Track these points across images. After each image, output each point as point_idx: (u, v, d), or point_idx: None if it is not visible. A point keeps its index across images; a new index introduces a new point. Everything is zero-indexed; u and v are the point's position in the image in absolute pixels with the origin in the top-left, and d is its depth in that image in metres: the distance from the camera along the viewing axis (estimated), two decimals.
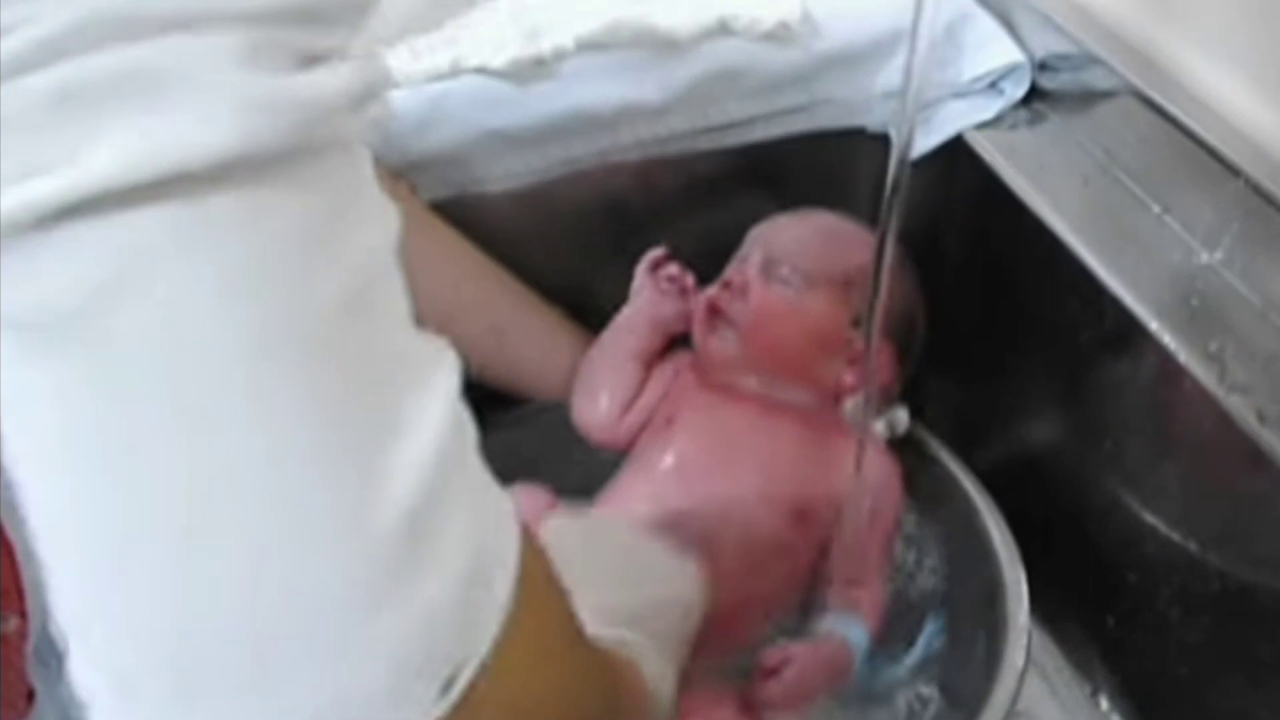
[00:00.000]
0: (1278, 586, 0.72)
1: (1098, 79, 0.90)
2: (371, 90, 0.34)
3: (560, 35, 0.90)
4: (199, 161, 0.28)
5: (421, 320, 0.45)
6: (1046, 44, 0.94)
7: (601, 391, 0.90)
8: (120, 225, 0.27)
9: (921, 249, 0.86)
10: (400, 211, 0.41)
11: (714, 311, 0.88)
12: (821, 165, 0.99)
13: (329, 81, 0.31)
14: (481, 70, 0.89)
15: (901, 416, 0.90)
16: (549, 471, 0.83)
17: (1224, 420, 0.72)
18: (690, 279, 0.93)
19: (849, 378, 0.87)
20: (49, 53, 0.27)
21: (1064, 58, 0.93)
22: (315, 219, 0.31)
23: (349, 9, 0.33)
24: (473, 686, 0.34)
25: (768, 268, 0.87)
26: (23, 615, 0.70)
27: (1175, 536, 0.80)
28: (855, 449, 0.80)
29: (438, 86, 0.88)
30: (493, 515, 0.36)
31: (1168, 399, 0.76)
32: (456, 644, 0.34)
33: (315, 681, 0.31)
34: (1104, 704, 0.91)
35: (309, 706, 0.31)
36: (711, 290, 0.89)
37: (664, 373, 0.91)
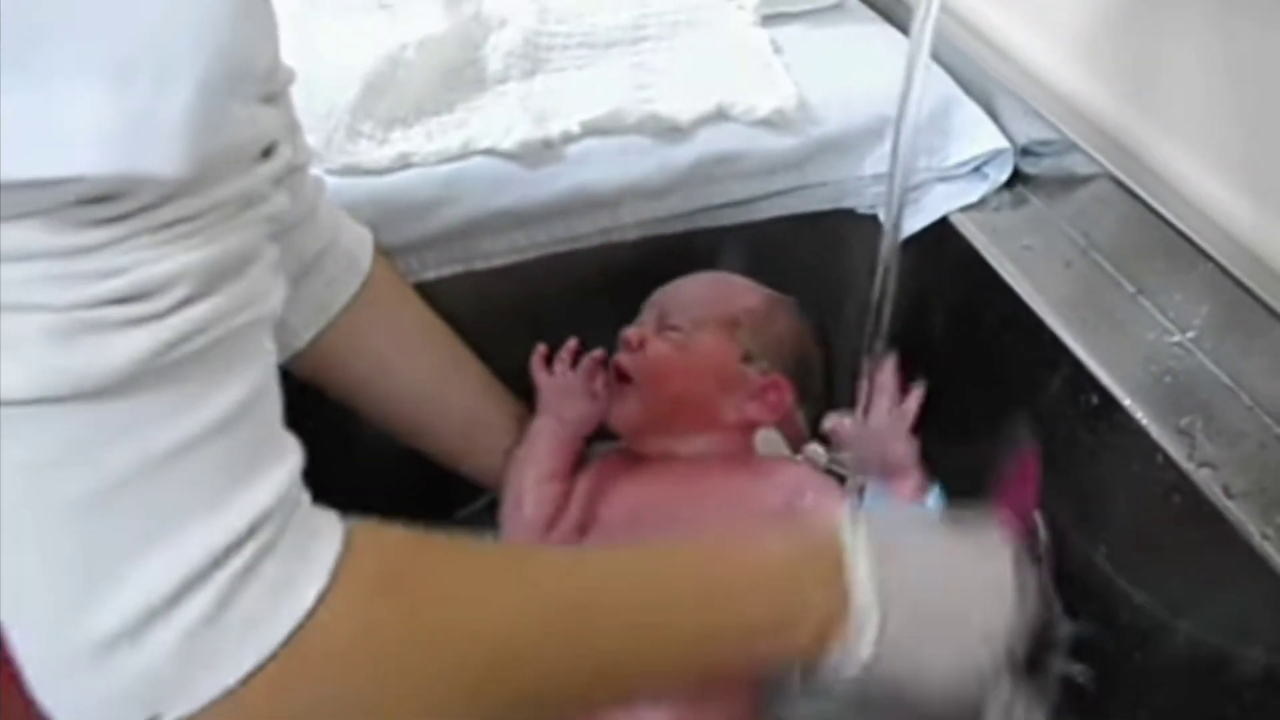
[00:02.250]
0: (1245, 653, 0.75)
1: (1077, 165, 0.95)
2: (219, 323, 0.43)
3: (567, 120, 0.94)
4: (9, 395, 0.39)
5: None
6: (1029, 131, 0.98)
7: (525, 508, 0.90)
8: None
9: (908, 324, 0.89)
10: (391, 296, 0.47)
11: (620, 376, 0.91)
12: (813, 244, 1.03)
13: (136, 345, 0.40)
14: (491, 151, 0.93)
15: (819, 451, 0.93)
16: None
17: (1193, 494, 0.75)
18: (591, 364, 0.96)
19: (753, 411, 0.90)
20: None
21: (1045, 144, 0.97)
22: (97, 431, 0.41)
23: (181, 283, 0.41)
24: None
25: (660, 321, 0.93)
26: None
27: (1147, 604, 0.82)
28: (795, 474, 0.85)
29: (449, 167, 0.92)
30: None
31: (1140, 472, 0.79)
32: (153, 700, 0.43)
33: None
34: None
35: None
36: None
37: (586, 477, 0.92)
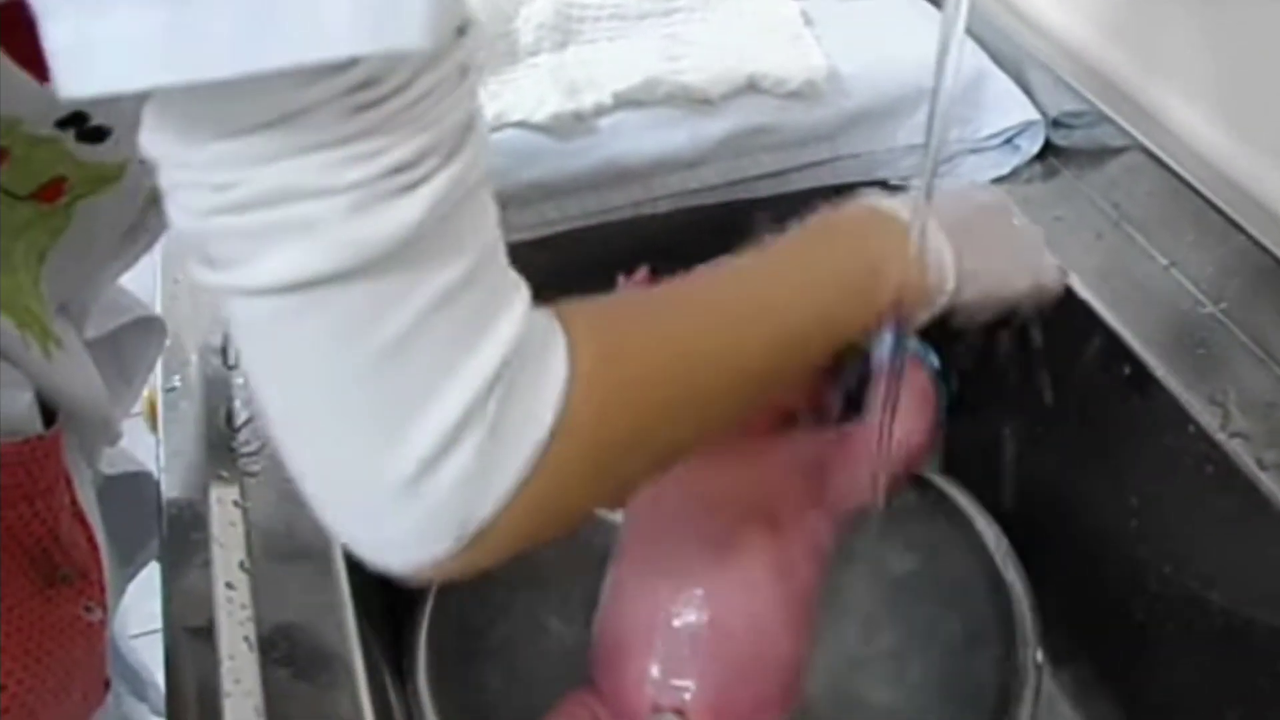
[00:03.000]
0: (1275, 624, 0.75)
1: (1109, 136, 0.95)
2: (462, 183, 0.47)
3: (599, 92, 0.94)
4: (311, 276, 0.45)
5: None
6: (1060, 102, 0.98)
7: None
8: (270, 302, 0.46)
9: None
10: None
11: None
12: None
13: (411, 210, 0.45)
14: (522, 124, 0.94)
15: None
16: None
17: (1226, 464, 0.76)
18: None
19: None
20: (244, 205, 0.44)
21: (1077, 115, 0.97)
22: (382, 296, 0.46)
23: (437, 149, 0.46)
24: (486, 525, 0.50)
25: None
26: (104, 607, 0.73)
27: (1179, 575, 0.83)
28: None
29: None
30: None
31: (1173, 443, 0.79)
32: (462, 510, 0.50)
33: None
34: None
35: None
36: None
37: None
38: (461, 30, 0.49)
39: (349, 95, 0.43)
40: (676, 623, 0.78)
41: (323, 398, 0.49)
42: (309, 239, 0.45)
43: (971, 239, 0.74)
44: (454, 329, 0.48)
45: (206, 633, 0.69)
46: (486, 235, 0.50)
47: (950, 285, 0.73)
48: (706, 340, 0.60)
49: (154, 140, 0.45)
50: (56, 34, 0.41)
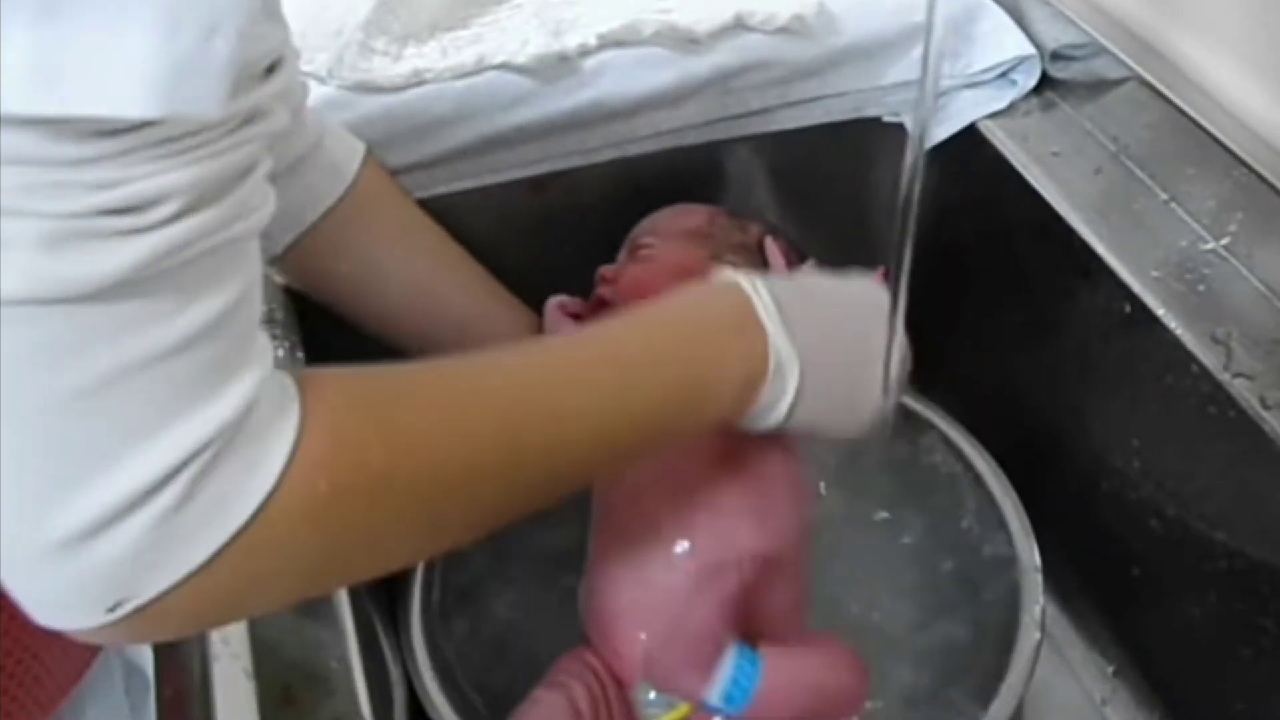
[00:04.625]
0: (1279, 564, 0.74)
1: (1107, 69, 0.93)
2: (209, 236, 0.43)
3: (583, 32, 0.92)
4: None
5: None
6: (1057, 35, 0.96)
7: None
8: None
9: (936, 234, 0.88)
10: (381, 202, 0.48)
11: (601, 306, 0.89)
12: (836, 154, 1.01)
13: (123, 256, 0.41)
14: (506, 66, 0.91)
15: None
16: None
17: (1229, 404, 0.74)
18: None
19: None
20: None
21: (1075, 48, 0.95)
22: (79, 335, 0.41)
23: (175, 197, 0.42)
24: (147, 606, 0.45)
25: (632, 250, 0.91)
26: None
27: (1183, 516, 0.82)
28: None
29: (463, 83, 0.90)
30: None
31: (1174, 383, 0.78)
32: (119, 586, 0.45)
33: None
34: (1115, 677, 0.93)
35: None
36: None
37: None
38: (270, 69, 0.46)
39: (74, 120, 0.39)
40: (658, 586, 0.77)
41: (2, 426, 0.43)
42: (2, 257, 0.40)
43: (822, 364, 0.68)
44: (165, 388, 0.43)
45: None
46: (230, 295, 0.45)
47: (782, 412, 0.67)
48: (477, 449, 0.54)
49: None
50: None
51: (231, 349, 0.46)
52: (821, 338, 0.68)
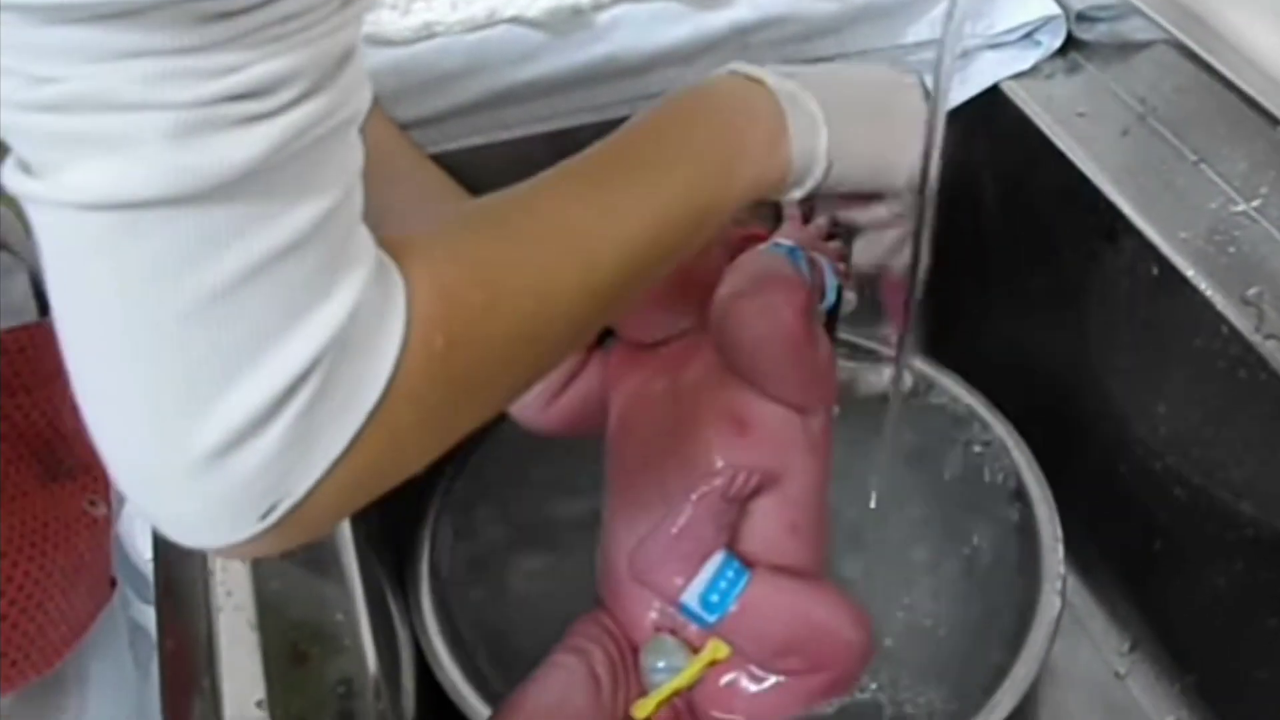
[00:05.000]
0: None
1: (1135, 29, 0.91)
2: (323, 121, 0.43)
3: None
4: (127, 198, 0.39)
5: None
6: None
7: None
8: (82, 220, 0.40)
9: (958, 197, 0.86)
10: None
11: None
12: None
13: (252, 143, 0.40)
14: (517, 19, 0.89)
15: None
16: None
17: (1260, 366, 0.73)
18: None
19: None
20: (62, 105, 0.38)
21: (1101, 8, 0.93)
22: (213, 234, 0.41)
23: (296, 80, 0.41)
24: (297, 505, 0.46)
25: None
26: (108, 503, 0.72)
27: (1208, 484, 0.80)
28: None
29: (474, 36, 0.88)
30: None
31: (1205, 346, 0.76)
32: (270, 490, 0.45)
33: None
34: (1135, 649, 0.92)
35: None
36: None
37: (600, 358, 0.86)
38: None
39: (197, 1, 0.38)
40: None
41: (127, 346, 0.43)
42: (125, 155, 0.39)
43: (850, 118, 0.71)
44: (291, 284, 0.43)
45: None
46: (345, 183, 0.45)
47: (820, 167, 0.70)
48: (553, 263, 0.56)
49: None
50: None
51: (345, 240, 0.46)
52: (837, 91, 0.71)
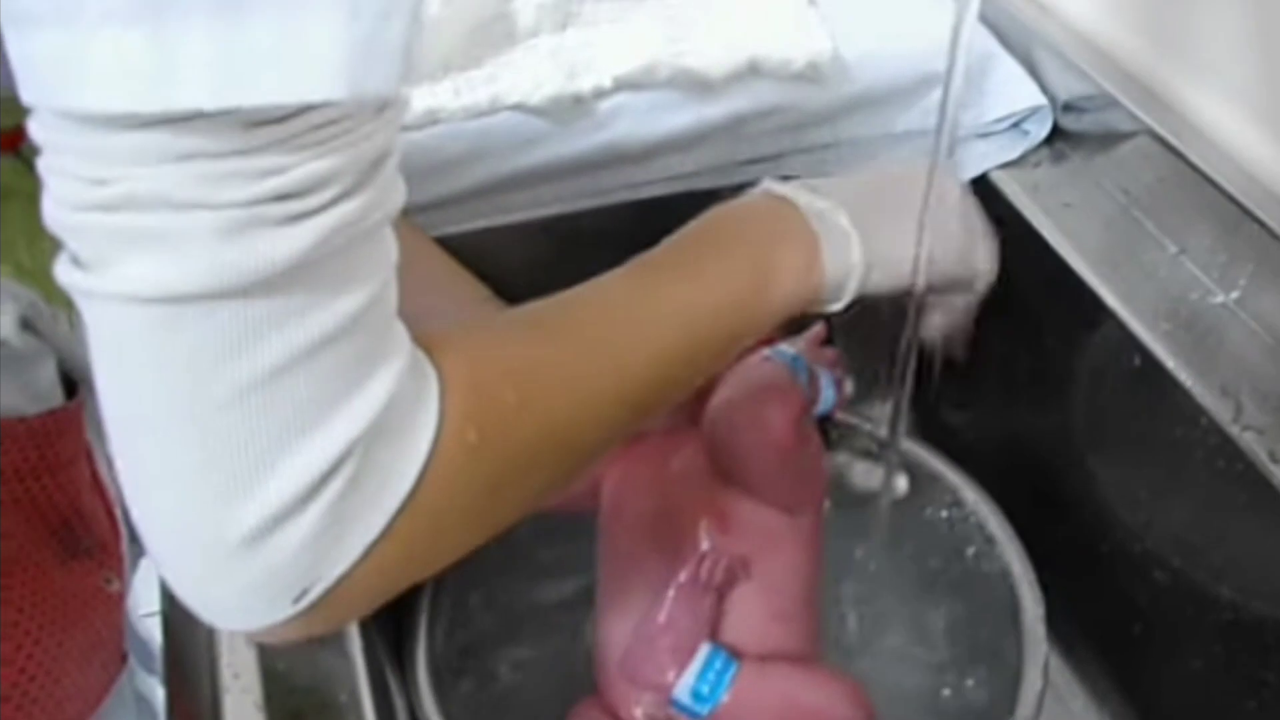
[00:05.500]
0: None
1: (1118, 121, 0.93)
2: (361, 220, 0.45)
3: (599, 75, 0.92)
4: (175, 291, 0.42)
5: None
6: (1069, 86, 0.96)
7: None
8: (130, 313, 0.43)
9: None
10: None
11: None
12: None
13: (294, 241, 0.43)
14: (520, 107, 0.92)
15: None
16: None
17: (1238, 458, 0.74)
18: None
19: None
20: (115, 205, 0.41)
21: (1087, 99, 0.95)
22: (254, 325, 0.43)
23: (335, 181, 0.43)
24: (330, 590, 0.47)
25: None
26: (122, 579, 0.73)
27: (1188, 568, 0.82)
28: None
29: (477, 123, 0.91)
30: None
31: (1184, 435, 0.78)
32: (305, 575, 0.47)
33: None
34: None
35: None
36: None
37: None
38: None
39: (239, 110, 0.41)
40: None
41: (170, 432, 0.45)
42: (178, 251, 0.42)
43: (882, 225, 0.73)
44: (328, 375, 0.45)
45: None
46: (381, 277, 0.47)
47: (856, 279, 0.72)
48: (586, 370, 0.58)
49: (41, 122, 0.42)
50: (33, 44, 0.39)
51: (380, 332, 0.48)
52: (866, 199, 0.74)
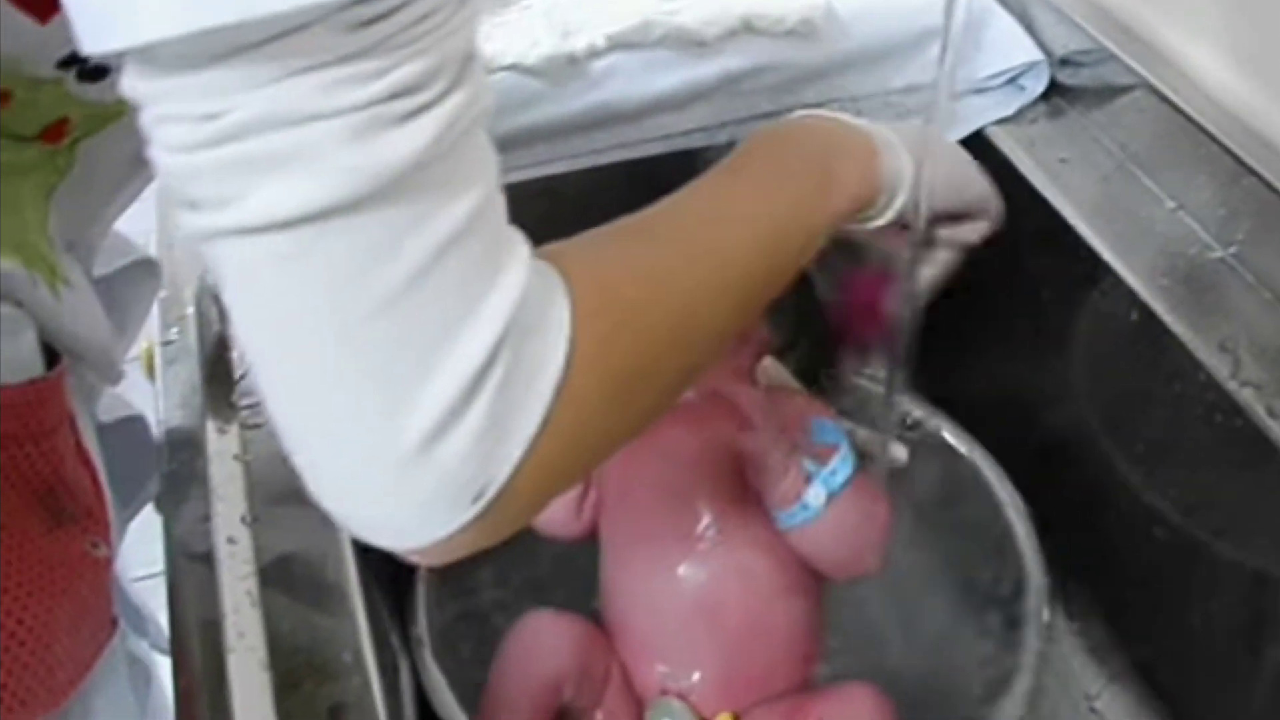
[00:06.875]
0: None
1: (1115, 75, 0.93)
2: (466, 114, 0.45)
3: (592, 34, 0.92)
4: (314, 209, 0.42)
5: None
6: (1065, 41, 0.96)
7: None
8: (265, 242, 0.43)
9: None
10: None
11: None
12: None
13: (416, 136, 0.43)
14: (515, 67, 0.91)
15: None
16: None
17: (1236, 412, 0.74)
18: None
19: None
20: (234, 135, 0.41)
21: (1083, 54, 0.95)
22: (389, 232, 0.43)
23: (441, 75, 0.44)
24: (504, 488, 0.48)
25: None
26: (109, 544, 0.73)
27: (1186, 523, 0.82)
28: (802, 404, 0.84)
29: None
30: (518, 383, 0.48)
31: (1182, 391, 0.78)
32: (477, 475, 0.47)
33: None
34: (1115, 685, 0.93)
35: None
36: None
37: None
38: None
39: (344, 11, 0.41)
40: (670, 615, 0.78)
41: (323, 355, 0.45)
42: (306, 168, 0.42)
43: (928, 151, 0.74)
44: (465, 270, 0.46)
45: (210, 580, 0.69)
46: (491, 171, 0.48)
47: (907, 185, 0.73)
48: (692, 257, 0.59)
49: (136, 77, 0.42)
50: None
51: (499, 230, 0.48)
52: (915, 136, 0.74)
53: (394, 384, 0.45)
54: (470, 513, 0.47)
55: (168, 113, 0.42)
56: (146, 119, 0.43)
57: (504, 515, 0.49)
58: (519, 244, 0.49)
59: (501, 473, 0.47)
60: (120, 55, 0.42)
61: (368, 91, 0.42)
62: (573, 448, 0.51)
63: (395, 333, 0.44)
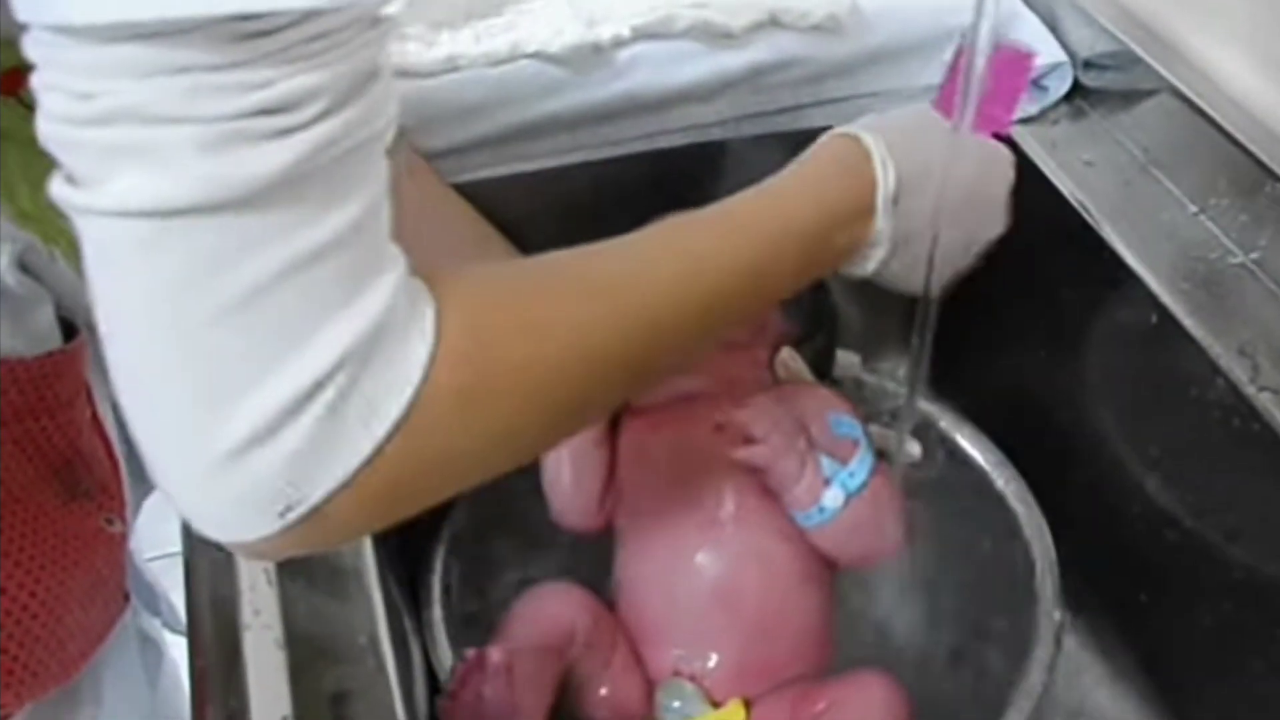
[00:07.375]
0: None
1: (1139, 78, 0.93)
2: (350, 134, 0.45)
3: (618, 24, 0.92)
4: (162, 206, 0.42)
5: None
6: (1090, 43, 0.96)
7: (574, 484, 0.84)
8: (121, 227, 0.43)
9: None
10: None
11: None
12: None
13: (275, 156, 0.43)
14: (539, 55, 0.91)
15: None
16: None
17: (1254, 417, 0.74)
18: None
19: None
20: (102, 120, 0.41)
21: (1108, 56, 0.95)
22: (239, 241, 0.43)
23: (322, 95, 0.44)
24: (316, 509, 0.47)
25: None
26: (124, 520, 0.73)
27: (1200, 527, 0.82)
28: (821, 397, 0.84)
29: (497, 70, 0.91)
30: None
31: (1200, 395, 0.78)
32: (286, 491, 0.47)
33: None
34: (1124, 685, 0.93)
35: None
36: None
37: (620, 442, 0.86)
38: None
39: (234, 21, 0.41)
40: (688, 601, 0.78)
41: (160, 348, 0.45)
42: (159, 166, 0.42)
43: (921, 199, 0.73)
44: (314, 292, 0.45)
45: (226, 558, 0.68)
46: (370, 197, 0.47)
47: (883, 251, 0.73)
48: (590, 321, 0.56)
49: (35, 39, 0.42)
50: None
51: (370, 252, 0.48)
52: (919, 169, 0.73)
53: (222, 387, 0.45)
54: (277, 524, 0.47)
55: (51, 81, 0.42)
56: (35, 82, 0.43)
57: (319, 532, 0.49)
58: (389, 268, 0.48)
59: (313, 495, 0.47)
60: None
61: (234, 105, 0.42)
62: (403, 487, 0.50)
63: (233, 338, 0.45)
